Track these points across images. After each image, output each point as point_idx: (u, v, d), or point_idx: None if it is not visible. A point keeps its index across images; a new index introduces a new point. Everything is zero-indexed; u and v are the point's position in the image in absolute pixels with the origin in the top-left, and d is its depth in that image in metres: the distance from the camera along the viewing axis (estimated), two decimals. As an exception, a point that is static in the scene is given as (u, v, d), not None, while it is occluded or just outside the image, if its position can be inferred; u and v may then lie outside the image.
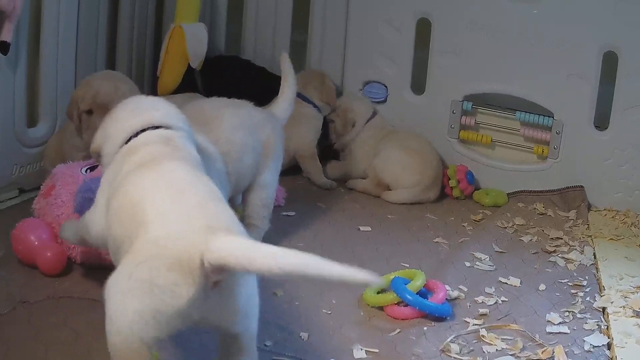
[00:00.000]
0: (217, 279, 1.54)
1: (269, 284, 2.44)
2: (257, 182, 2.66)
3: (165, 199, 1.66)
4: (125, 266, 1.57)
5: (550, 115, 3.43)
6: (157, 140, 1.92)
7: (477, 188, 3.55)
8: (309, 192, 3.36)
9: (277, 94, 2.92)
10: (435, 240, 2.96)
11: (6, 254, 2.47)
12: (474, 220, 3.23)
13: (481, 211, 3.33)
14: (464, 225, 3.15)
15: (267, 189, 2.69)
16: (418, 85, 3.70)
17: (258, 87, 3.01)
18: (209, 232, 1.53)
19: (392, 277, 2.41)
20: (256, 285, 1.70)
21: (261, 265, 1.47)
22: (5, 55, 2.88)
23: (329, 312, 2.32)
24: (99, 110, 2.65)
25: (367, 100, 3.72)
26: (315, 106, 3.57)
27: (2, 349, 1.94)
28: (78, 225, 2.15)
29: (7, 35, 2.84)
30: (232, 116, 2.56)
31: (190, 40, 3.55)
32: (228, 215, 1.68)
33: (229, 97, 2.71)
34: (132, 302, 1.53)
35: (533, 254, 2.87)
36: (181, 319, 1.54)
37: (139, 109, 2.02)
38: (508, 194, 3.49)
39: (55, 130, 3.18)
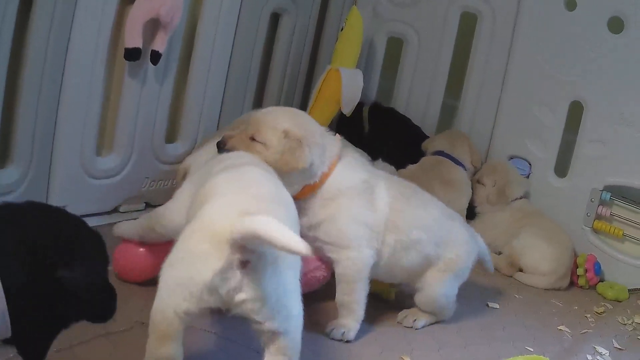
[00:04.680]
0: (244, 258, 1.66)
1: (398, 347, 2.49)
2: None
3: (230, 189, 1.84)
4: (177, 242, 1.75)
5: (687, 221, 3.42)
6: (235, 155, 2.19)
7: (601, 280, 3.53)
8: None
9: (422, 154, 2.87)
10: (559, 328, 2.97)
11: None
12: (596, 312, 3.23)
13: (603, 304, 3.32)
14: (586, 316, 3.15)
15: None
16: (561, 168, 3.71)
17: (410, 146, 3.05)
18: (243, 213, 1.67)
19: (521, 361, 2.45)
20: (294, 283, 1.78)
21: (265, 236, 1.59)
22: (155, 65, 2.80)
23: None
24: None
25: (525, 181, 3.69)
26: (465, 168, 3.54)
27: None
28: (145, 218, 2.32)
29: (160, 46, 2.76)
30: (439, 229, 2.62)
31: (346, 85, 3.50)
32: (275, 206, 1.82)
33: (388, 148, 2.74)
34: (174, 271, 1.70)
35: (650, 354, 2.86)
36: (210, 291, 1.66)
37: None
38: (629, 290, 3.46)
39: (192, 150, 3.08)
